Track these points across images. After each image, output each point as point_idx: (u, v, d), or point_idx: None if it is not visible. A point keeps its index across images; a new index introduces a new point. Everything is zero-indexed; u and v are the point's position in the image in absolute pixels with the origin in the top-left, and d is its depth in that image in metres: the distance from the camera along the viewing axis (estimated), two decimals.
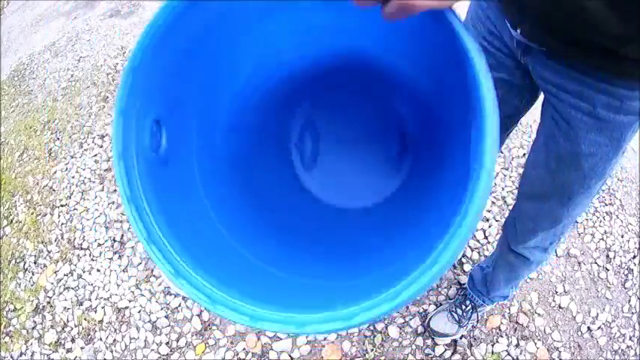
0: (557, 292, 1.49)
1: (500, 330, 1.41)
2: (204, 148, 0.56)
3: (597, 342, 1.40)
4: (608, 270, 1.56)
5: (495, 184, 1.74)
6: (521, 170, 1.68)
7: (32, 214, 1.84)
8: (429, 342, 1.38)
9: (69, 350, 1.43)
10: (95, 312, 1.49)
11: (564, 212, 0.90)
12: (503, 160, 1.82)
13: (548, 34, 0.65)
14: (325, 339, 1.38)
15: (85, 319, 1.48)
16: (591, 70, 0.66)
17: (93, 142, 2.07)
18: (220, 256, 0.41)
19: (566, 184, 0.84)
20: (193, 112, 0.53)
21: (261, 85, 0.67)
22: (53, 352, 1.43)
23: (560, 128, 0.77)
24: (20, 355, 1.44)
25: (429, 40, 0.44)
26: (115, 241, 1.66)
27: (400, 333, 1.39)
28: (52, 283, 1.59)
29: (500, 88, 0.59)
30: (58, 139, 2.15)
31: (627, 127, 0.71)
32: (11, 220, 1.85)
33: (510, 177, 1.75)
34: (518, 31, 0.70)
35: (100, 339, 1.43)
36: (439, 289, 1.49)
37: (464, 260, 1.55)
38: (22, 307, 1.55)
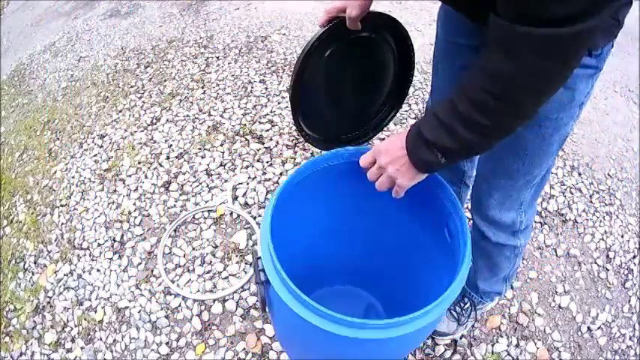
0: (557, 292, 1.49)
1: (500, 330, 1.41)
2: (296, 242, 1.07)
3: (597, 342, 1.40)
4: (608, 270, 1.56)
5: None
6: None
7: (32, 214, 1.84)
8: (429, 342, 1.38)
9: (69, 350, 1.43)
10: (95, 312, 1.49)
11: (519, 167, 0.92)
12: None
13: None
14: None
15: (85, 319, 1.48)
16: None
17: (93, 142, 2.07)
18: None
19: (522, 135, 0.85)
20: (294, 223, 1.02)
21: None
22: (53, 352, 1.43)
23: None
24: (20, 355, 1.44)
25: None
26: (115, 241, 1.66)
27: None
28: (52, 283, 1.59)
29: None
30: (58, 139, 2.15)
31: (580, 78, 0.77)
32: (11, 220, 1.85)
33: None
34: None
35: (100, 339, 1.43)
36: None
37: None
38: (22, 307, 1.55)
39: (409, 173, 0.79)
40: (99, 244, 1.66)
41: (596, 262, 1.57)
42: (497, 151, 0.93)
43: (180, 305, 1.47)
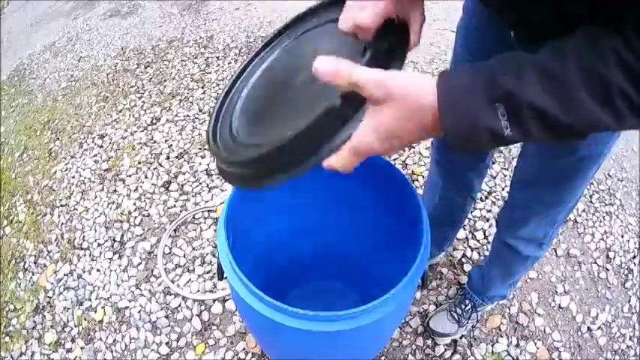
0: (557, 292, 1.49)
1: (500, 330, 1.41)
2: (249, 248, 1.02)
3: (597, 342, 1.40)
4: (608, 270, 1.56)
5: (495, 184, 1.74)
6: None
7: (32, 214, 1.84)
8: (429, 342, 1.38)
9: (69, 350, 1.43)
10: (95, 312, 1.49)
11: (557, 198, 0.90)
12: (503, 161, 1.82)
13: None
14: None
15: (85, 319, 1.48)
16: None
17: (93, 142, 2.07)
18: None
19: (561, 169, 0.83)
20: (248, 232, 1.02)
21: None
22: (53, 352, 1.43)
23: None
24: (20, 355, 1.44)
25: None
26: (115, 241, 1.66)
27: (400, 333, 1.39)
28: (52, 283, 1.59)
29: None
30: (58, 139, 2.15)
31: None
32: (11, 220, 1.85)
33: (510, 177, 1.75)
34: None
35: (100, 339, 1.43)
36: (439, 289, 1.49)
37: (464, 260, 1.55)
38: (22, 307, 1.55)
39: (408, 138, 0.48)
40: (99, 244, 1.66)
41: (596, 262, 1.57)
42: (535, 182, 0.88)
43: (180, 305, 1.47)
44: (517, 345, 1.38)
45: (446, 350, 1.36)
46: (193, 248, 1.61)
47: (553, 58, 0.43)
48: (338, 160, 0.48)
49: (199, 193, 1.77)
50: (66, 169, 1.97)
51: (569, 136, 0.46)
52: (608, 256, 1.59)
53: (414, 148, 1.88)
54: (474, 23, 0.86)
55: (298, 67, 0.63)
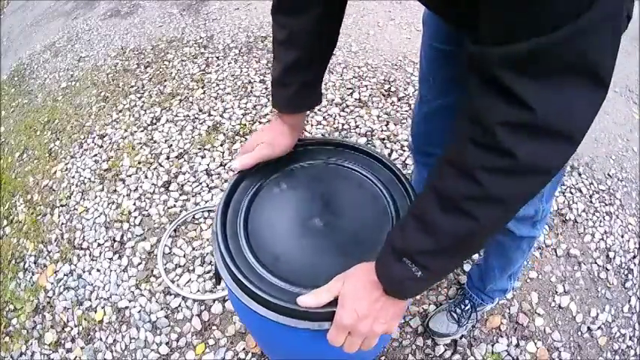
0: (557, 292, 1.49)
1: (500, 330, 1.41)
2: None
3: (597, 342, 1.40)
4: (608, 270, 1.56)
5: None
6: None
7: (32, 214, 1.84)
8: (429, 342, 1.38)
9: (69, 350, 1.43)
10: (95, 312, 1.49)
11: None
12: None
13: None
14: None
15: (85, 319, 1.48)
16: None
17: (93, 142, 2.07)
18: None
19: None
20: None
21: None
22: (53, 352, 1.43)
23: None
24: (20, 355, 1.44)
25: None
26: (115, 241, 1.66)
27: (400, 333, 1.39)
28: (52, 283, 1.59)
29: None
30: (58, 139, 2.15)
31: None
32: (11, 220, 1.85)
33: None
34: None
35: (100, 339, 1.43)
36: (439, 289, 1.49)
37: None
38: (22, 307, 1.55)
39: (393, 311, 0.63)
40: (99, 244, 1.66)
41: (596, 262, 1.57)
42: None
43: (180, 305, 1.47)
44: (517, 345, 1.38)
45: (446, 350, 1.36)
46: (193, 248, 1.61)
47: (421, 198, 0.57)
48: (330, 336, 0.64)
49: (199, 193, 1.77)
50: (66, 169, 1.97)
51: (468, 254, 0.59)
52: (608, 256, 1.59)
53: None
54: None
55: (310, 207, 0.82)
